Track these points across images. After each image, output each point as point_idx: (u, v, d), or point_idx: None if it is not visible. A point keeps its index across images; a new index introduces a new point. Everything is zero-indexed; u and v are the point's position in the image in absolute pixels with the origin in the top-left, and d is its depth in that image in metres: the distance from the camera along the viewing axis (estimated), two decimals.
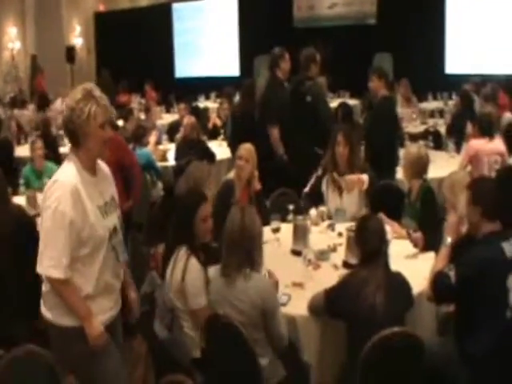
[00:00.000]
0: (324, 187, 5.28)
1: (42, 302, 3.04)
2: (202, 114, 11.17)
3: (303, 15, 16.77)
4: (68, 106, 2.89)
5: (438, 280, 3.34)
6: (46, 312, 3.01)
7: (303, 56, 6.63)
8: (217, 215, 3.87)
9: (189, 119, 7.95)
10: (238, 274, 3.30)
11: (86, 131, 2.87)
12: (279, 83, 6.73)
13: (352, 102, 12.68)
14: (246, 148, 5.32)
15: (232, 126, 7.66)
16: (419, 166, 4.86)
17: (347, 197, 5.19)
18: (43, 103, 11.04)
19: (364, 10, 16.17)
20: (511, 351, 3.24)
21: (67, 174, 2.90)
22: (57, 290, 2.90)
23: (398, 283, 3.36)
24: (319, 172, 5.34)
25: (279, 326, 3.32)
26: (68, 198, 2.82)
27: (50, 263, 2.82)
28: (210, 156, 7.47)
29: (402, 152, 5.88)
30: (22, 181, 6.48)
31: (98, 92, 2.92)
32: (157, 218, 5.30)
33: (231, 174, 5.44)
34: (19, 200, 5.46)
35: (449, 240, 3.63)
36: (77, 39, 19.63)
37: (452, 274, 3.26)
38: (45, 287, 2.99)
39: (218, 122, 9.79)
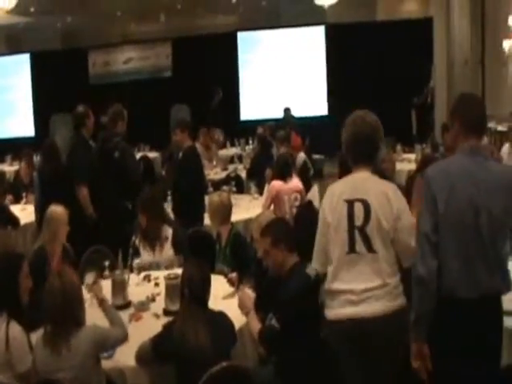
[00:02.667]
0: (137, 242, 5.34)
1: None
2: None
3: (99, 72, 16.84)
4: None
5: (266, 336, 3.63)
6: None
7: (110, 112, 6.65)
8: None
9: None
10: (66, 339, 3.27)
11: None
12: (84, 141, 6.64)
13: (152, 154, 12.83)
14: (57, 211, 5.19)
15: (40, 187, 7.39)
16: (224, 213, 5.15)
17: (159, 249, 5.29)
18: None
19: (159, 64, 16.58)
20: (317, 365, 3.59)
21: None
22: None
23: (221, 322, 3.52)
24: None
25: (114, 334, 3.46)
26: None
27: None
28: (13, 221, 7.19)
29: (206, 199, 6.15)
30: None
31: None
32: None
33: (41, 241, 5.29)
34: None
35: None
36: None
37: (274, 322, 3.57)
38: None
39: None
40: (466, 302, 2.98)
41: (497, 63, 12.32)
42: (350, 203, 3.31)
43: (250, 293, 4.08)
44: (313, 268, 3.69)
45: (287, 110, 14.34)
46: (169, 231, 5.32)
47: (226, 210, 5.17)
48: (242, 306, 3.88)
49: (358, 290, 3.28)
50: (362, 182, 3.38)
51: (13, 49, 18.14)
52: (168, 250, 5.28)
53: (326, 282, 3.43)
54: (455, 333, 3.01)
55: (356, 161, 3.43)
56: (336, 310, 3.35)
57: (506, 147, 5.40)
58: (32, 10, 15.08)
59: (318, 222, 3.48)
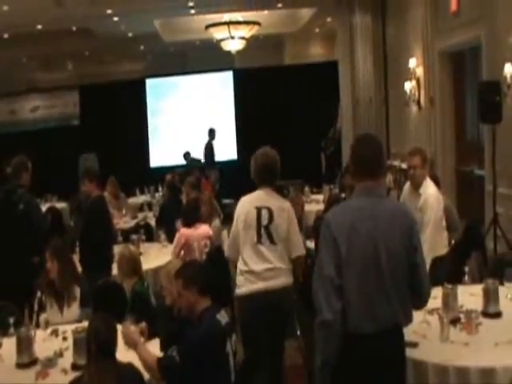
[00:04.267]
0: (43, 298, 5.23)
1: None
2: None
3: (4, 120, 16.45)
4: None
5: (164, 364, 3.65)
6: None
7: (14, 163, 6.54)
8: None
9: None
10: None
11: None
12: None
13: (60, 205, 12.61)
14: None
15: None
16: (131, 266, 5.14)
17: (66, 308, 5.20)
18: None
19: (67, 112, 16.42)
20: None
21: None
22: None
23: (129, 373, 3.51)
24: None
25: None
26: None
27: None
28: None
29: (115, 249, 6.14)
30: None
31: None
32: None
33: None
34: None
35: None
36: None
37: (175, 354, 3.62)
38: None
39: None
40: (369, 337, 3.11)
41: (399, 103, 12.89)
42: (259, 209, 4.69)
43: (131, 326, 4.11)
44: (224, 315, 3.84)
45: (187, 155, 14.54)
46: (77, 291, 5.26)
47: (131, 263, 5.17)
48: (127, 341, 3.90)
49: (264, 270, 4.64)
50: (266, 195, 4.79)
51: None
52: (76, 310, 5.21)
53: (239, 266, 4.75)
54: (360, 368, 3.12)
55: (262, 182, 4.82)
56: (247, 287, 4.68)
57: (406, 185, 5.66)
58: None
59: (233, 223, 4.84)
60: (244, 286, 4.69)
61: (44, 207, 11.75)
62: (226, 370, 3.76)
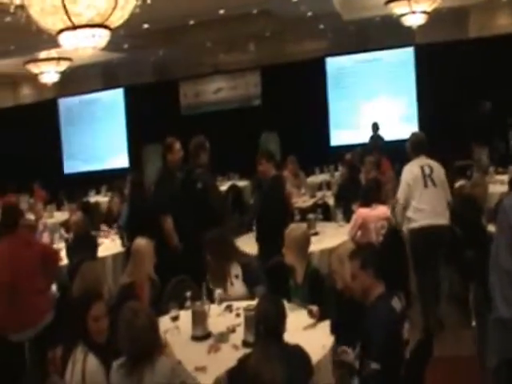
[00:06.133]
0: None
1: None
2: (93, 209, 11.05)
3: (190, 102, 17.13)
4: None
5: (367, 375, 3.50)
6: None
7: (193, 144, 6.76)
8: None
9: (75, 217, 7.82)
10: (144, 372, 3.30)
11: None
12: (170, 172, 6.79)
13: (241, 183, 12.94)
14: (142, 245, 5.30)
15: (128, 217, 7.60)
16: (302, 247, 5.04)
17: (230, 288, 5.24)
18: None
19: (249, 93, 16.70)
20: None
21: None
22: None
23: (297, 355, 3.43)
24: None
25: None
26: None
27: None
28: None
29: None
30: None
31: None
32: (52, 320, 5.19)
33: (127, 275, 5.40)
34: None
35: None
36: None
37: (374, 365, 3.44)
38: None
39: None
40: None
41: None
42: (422, 166, 6.31)
43: None
44: (397, 301, 3.69)
45: (375, 126, 13.99)
46: (238, 269, 5.29)
47: (304, 243, 5.08)
48: None
49: (431, 209, 6.18)
50: (424, 159, 6.41)
51: (108, 84, 18.86)
52: (239, 288, 5.25)
53: (414, 203, 6.23)
54: None
55: (420, 152, 6.44)
56: (420, 222, 6.19)
57: None
58: (125, 46, 15.66)
59: (403, 179, 6.41)
60: (417, 221, 6.19)
61: (226, 185, 12.17)
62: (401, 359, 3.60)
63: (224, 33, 15.27)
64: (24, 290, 5.13)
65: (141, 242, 5.35)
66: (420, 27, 12.60)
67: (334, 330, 4.09)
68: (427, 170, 6.30)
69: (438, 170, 6.41)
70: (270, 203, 6.59)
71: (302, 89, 15.47)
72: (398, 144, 13.96)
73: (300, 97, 15.40)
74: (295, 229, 5.27)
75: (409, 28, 12.74)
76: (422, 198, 6.22)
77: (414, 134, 6.76)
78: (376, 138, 13.86)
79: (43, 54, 14.85)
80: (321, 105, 16.06)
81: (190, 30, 14.67)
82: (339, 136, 16.05)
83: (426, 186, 6.25)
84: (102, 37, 5.59)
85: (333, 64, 16.42)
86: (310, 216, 7.62)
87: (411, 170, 6.36)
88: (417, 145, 6.52)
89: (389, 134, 14.13)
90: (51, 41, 11.69)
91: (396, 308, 3.66)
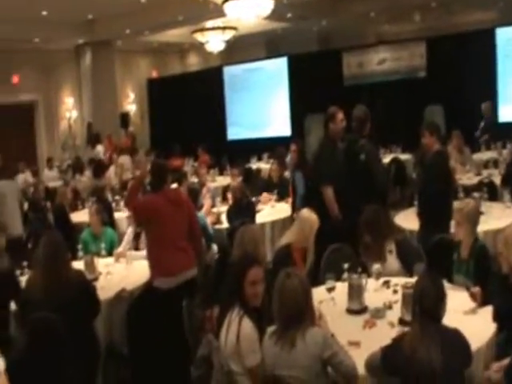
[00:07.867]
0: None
1: None
2: (254, 176, 11.29)
3: (353, 73, 16.90)
4: None
5: None
6: None
7: (355, 116, 6.67)
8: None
9: (235, 182, 8.01)
10: (294, 339, 3.33)
11: None
12: (332, 142, 6.71)
13: (404, 156, 12.66)
14: (309, 215, 5.48)
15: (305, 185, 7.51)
16: (472, 222, 4.79)
17: (382, 263, 5.11)
18: (99, 170, 11.31)
19: (413, 64, 16.19)
20: None
21: None
22: None
23: (455, 340, 3.29)
24: None
25: (345, 362, 3.34)
26: None
27: None
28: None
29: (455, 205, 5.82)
30: (80, 246, 6.59)
31: None
32: (211, 280, 5.36)
33: (287, 239, 5.50)
34: (78, 265, 5.58)
35: None
36: (131, 105, 20.34)
37: None
38: None
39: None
40: None
41: None
42: None
43: None
44: None
45: None
46: (392, 245, 5.20)
47: (474, 218, 4.82)
48: None
49: None
50: None
51: (272, 53, 19.04)
52: (393, 263, 5.15)
53: None
54: None
55: None
56: None
57: None
58: (289, 15, 15.70)
59: None
60: None
61: (388, 158, 11.95)
62: None
63: (388, 3, 14.90)
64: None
65: (306, 212, 5.56)
66: None
67: (497, 317, 3.87)
68: None
69: None
70: (432, 178, 6.34)
71: (470, 61, 14.72)
72: None
73: (467, 70, 14.68)
74: (469, 204, 4.99)
75: None
76: None
77: None
78: None
79: (209, 24, 15.32)
80: (489, 78, 15.21)
81: (354, 0, 14.45)
82: (509, 112, 15.15)
83: None
84: (266, 6, 5.62)
85: (503, 35, 15.45)
86: (475, 194, 7.26)
87: None
88: None
89: None
90: (217, 10, 12.12)
91: None
